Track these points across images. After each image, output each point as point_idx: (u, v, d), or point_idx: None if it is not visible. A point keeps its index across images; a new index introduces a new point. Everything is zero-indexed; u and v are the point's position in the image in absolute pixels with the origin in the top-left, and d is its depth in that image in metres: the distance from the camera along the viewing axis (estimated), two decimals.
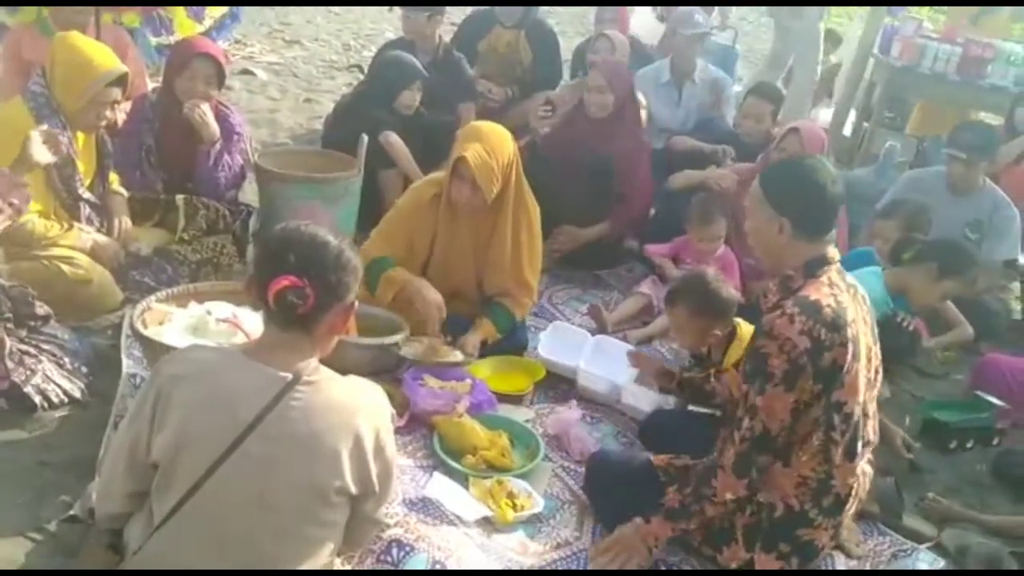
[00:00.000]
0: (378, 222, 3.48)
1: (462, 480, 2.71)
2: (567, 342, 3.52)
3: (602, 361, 3.42)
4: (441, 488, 2.63)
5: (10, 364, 2.77)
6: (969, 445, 3.42)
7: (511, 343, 3.48)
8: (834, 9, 13.52)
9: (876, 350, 2.45)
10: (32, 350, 2.89)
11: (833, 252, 2.38)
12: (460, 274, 3.42)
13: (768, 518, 2.37)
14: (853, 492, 2.41)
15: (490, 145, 3.18)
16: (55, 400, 2.83)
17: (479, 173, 3.14)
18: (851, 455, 2.36)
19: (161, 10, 4.57)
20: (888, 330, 3.44)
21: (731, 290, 3.15)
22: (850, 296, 2.34)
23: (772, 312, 2.29)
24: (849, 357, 2.25)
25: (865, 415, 2.39)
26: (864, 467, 2.51)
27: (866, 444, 2.45)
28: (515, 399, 3.24)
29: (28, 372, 2.82)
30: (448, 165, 3.24)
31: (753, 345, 2.35)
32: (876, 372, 2.46)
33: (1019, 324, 4.60)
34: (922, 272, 3.52)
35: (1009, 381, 3.64)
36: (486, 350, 3.37)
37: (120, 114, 3.72)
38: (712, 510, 2.34)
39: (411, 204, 3.39)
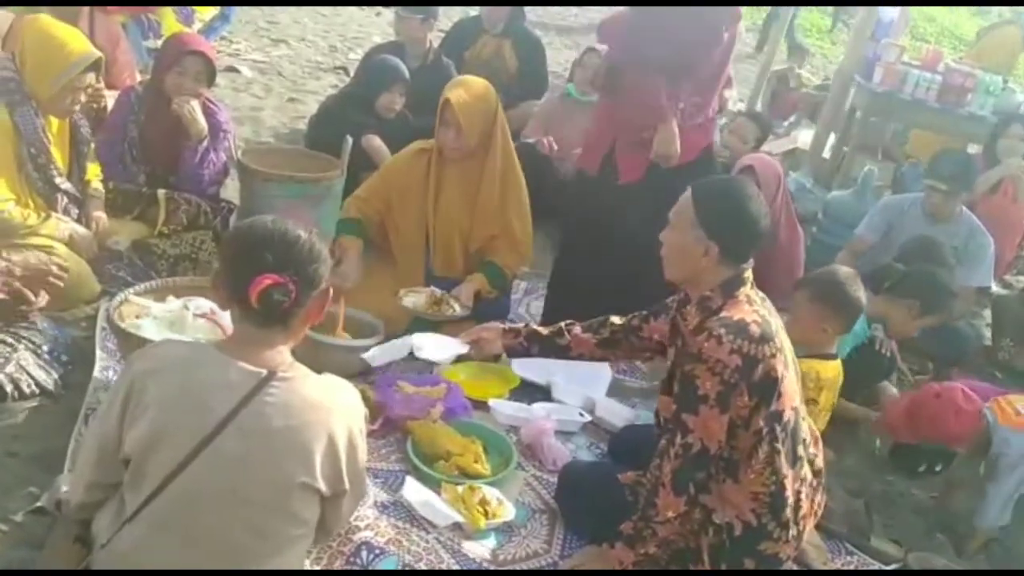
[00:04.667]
0: None
1: (434, 485, 2.70)
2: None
3: (575, 376, 3.41)
4: (413, 492, 2.62)
5: None
6: (938, 468, 3.45)
7: (494, 309, 3.52)
8: (810, 28, 13.70)
9: (793, 354, 2.46)
10: (9, 338, 2.85)
11: (747, 271, 2.39)
12: (454, 227, 3.54)
13: (729, 537, 2.38)
14: (804, 497, 2.42)
15: (472, 91, 3.46)
16: (26, 390, 2.79)
17: (462, 115, 3.38)
18: (792, 461, 2.38)
19: (150, 13, 4.53)
20: (867, 356, 3.49)
21: (860, 294, 3.12)
22: (767, 309, 2.37)
23: (698, 335, 2.30)
24: (781, 367, 2.28)
25: (799, 417, 2.42)
26: (817, 464, 2.52)
27: (806, 445, 2.46)
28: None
29: (1, 360, 2.78)
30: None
31: (680, 368, 2.36)
32: (797, 374, 2.47)
33: (989, 350, 4.66)
34: (903, 307, 3.56)
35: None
36: (475, 311, 3.41)
37: (109, 101, 3.70)
38: (664, 530, 2.33)
39: (395, 160, 3.71)
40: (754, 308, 2.32)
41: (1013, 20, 7.64)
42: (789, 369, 2.34)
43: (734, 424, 2.28)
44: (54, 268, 3.04)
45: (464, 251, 3.56)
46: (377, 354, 3.00)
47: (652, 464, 2.36)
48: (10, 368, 2.79)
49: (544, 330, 2.91)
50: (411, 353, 2.89)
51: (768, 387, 2.27)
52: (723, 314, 2.30)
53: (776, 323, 2.36)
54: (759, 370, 2.24)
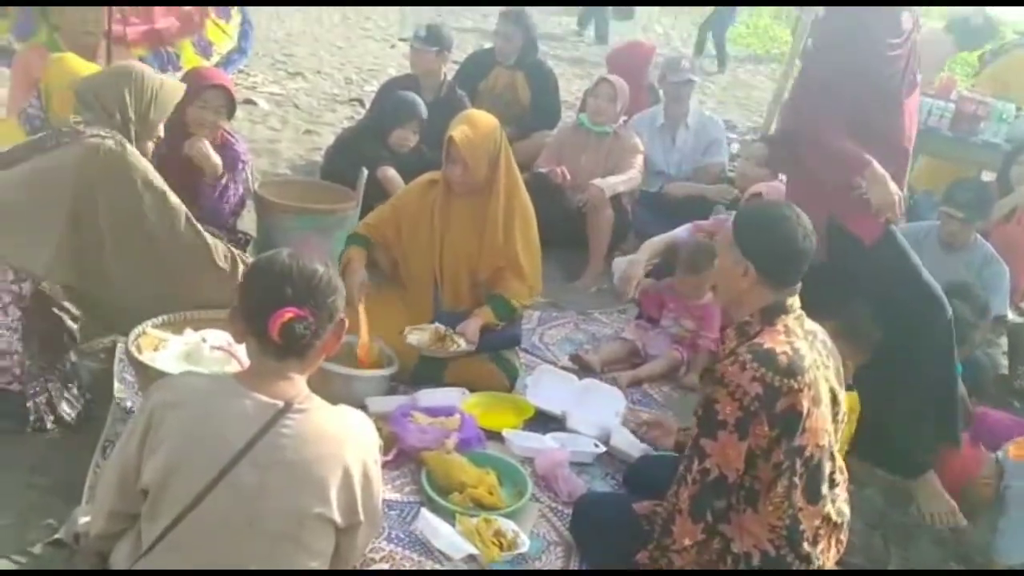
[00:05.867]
0: (373, 254, 3.59)
1: (449, 517, 2.70)
2: (555, 386, 3.52)
3: (589, 406, 3.42)
4: (428, 525, 2.62)
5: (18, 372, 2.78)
6: None
7: (504, 337, 3.54)
8: None
9: (842, 393, 2.45)
10: (49, 370, 2.90)
11: (793, 301, 2.40)
12: (461, 261, 3.54)
13: (747, 567, 2.36)
14: (822, 534, 2.40)
15: (477, 128, 3.45)
16: (48, 424, 2.83)
17: (466, 152, 3.37)
18: (813, 497, 2.36)
19: (168, 46, 4.60)
20: None
21: (871, 323, 3.10)
22: (807, 343, 2.35)
23: (727, 359, 2.31)
24: (807, 403, 2.26)
25: (830, 458, 2.40)
26: (841, 508, 2.49)
27: (833, 485, 2.44)
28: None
29: (38, 388, 2.83)
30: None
31: (705, 392, 2.36)
32: (843, 414, 2.46)
33: (1006, 378, 4.63)
34: None
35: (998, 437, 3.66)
36: (486, 342, 3.43)
37: None
38: (680, 559, 2.32)
39: (407, 190, 3.72)
40: (790, 339, 2.31)
41: (1021, 44, 7.60)
42: (820, 406, 2.31)
43: (753, 454, 2.27)
44: None
45: (472, 285, 3.57)
46: (379, 403, 3.11)
47: (669, 491, 2.35)
48: (41, 399, 2.83)
49: None
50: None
51: (790, 421, 2.25)
52: (756, 341, 2.30)
53: (816, 357, 2.33)
54: (781, 402, 2.23)
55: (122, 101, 2.98)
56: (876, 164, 3.03)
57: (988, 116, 5.77)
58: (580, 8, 13.03)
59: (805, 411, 2.26)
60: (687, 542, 2.30)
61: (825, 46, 3.21)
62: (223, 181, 3.64)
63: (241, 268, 3.02)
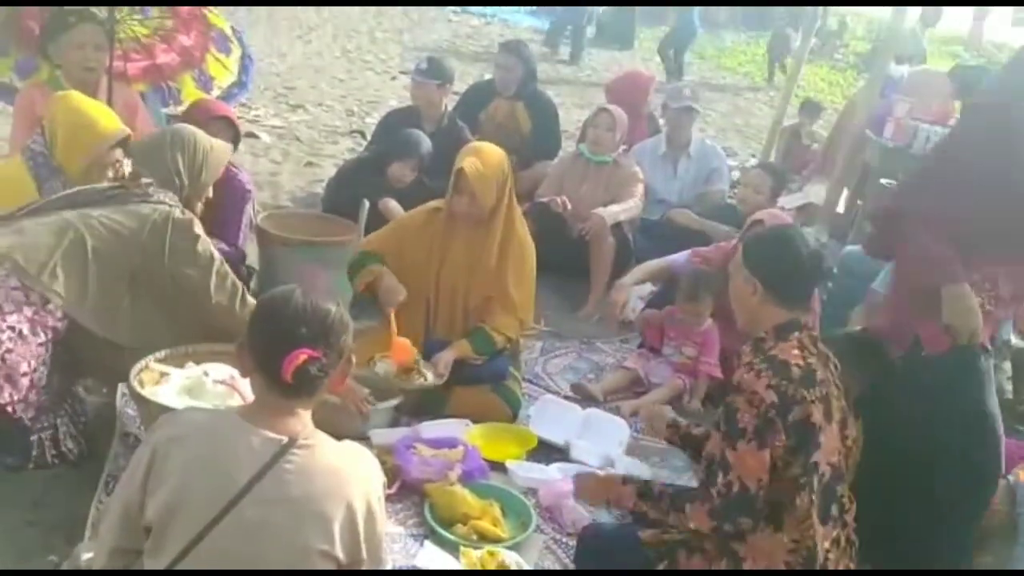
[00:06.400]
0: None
1: (453, 550, 2.69)
2: (558, 416, 3.51)
3: (593, 435, 3.41)
4: (431, 558, 2.61)
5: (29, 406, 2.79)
6: None
7: (488, 371, 3.52)
8: (821, 83, 13.85)
9: (852, 421, 2.45)
10: (57, 401, 2.91)
11: (807, 320, 2.46)
12: (457, 290, 3.56)
13: None
14: (831, 558, 2.37)
15: (486, 160, 3.48)
16: (49, 461, 2.82)
17: (476, 184, 3.40)
18: (824, 518, 2.34)
19: (169, 81, 4.64)
20: None
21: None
22: (821, 361, 2.38)
23: (742, 368, 2.35)
24: (820, 416, 2.28)
25: (839, 479, 2.39)
26: (851, 534, 2.47)
27: (842, 510, 2.43)
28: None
29: (45, 424, 2.84)
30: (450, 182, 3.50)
31: (725, 402, 2.38)
32: (852, 442, 2.46)
33: (1010, 403, 4.61)
34: None
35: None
36: (464, 375, 3.44)
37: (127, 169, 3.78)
38: (675, 519, 2.35)
39: (411, 215, 3.75)
40: (803, 354, 2.34)
41: None
42: (832, 423, 2.33)
43: (774, 465, 2.27)
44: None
45: (465, 314, 3.58)
46: (382, 436, 3.13)
47: (695, 496, 2.35)
48: (46, 435, 2.84)
49: (696, 430, 2.85)
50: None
51: (805, 432, 2.26)
52: (770, 353, 2.34)
53: (828, 376, 2.37)
54: (796, 411, 2.25)
55: (176, 165, 3.07)
56: (966, 285, 2.73)
57: None
58: (548, 29, 13.58)
59: (818, 424, 2.27)
60: (693, 525, 2.31)
61: (970, 143, 2.91)
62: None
63: (241, 299, 3.05)
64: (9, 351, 2.70)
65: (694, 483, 2.97)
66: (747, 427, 2.25)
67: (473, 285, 3.54)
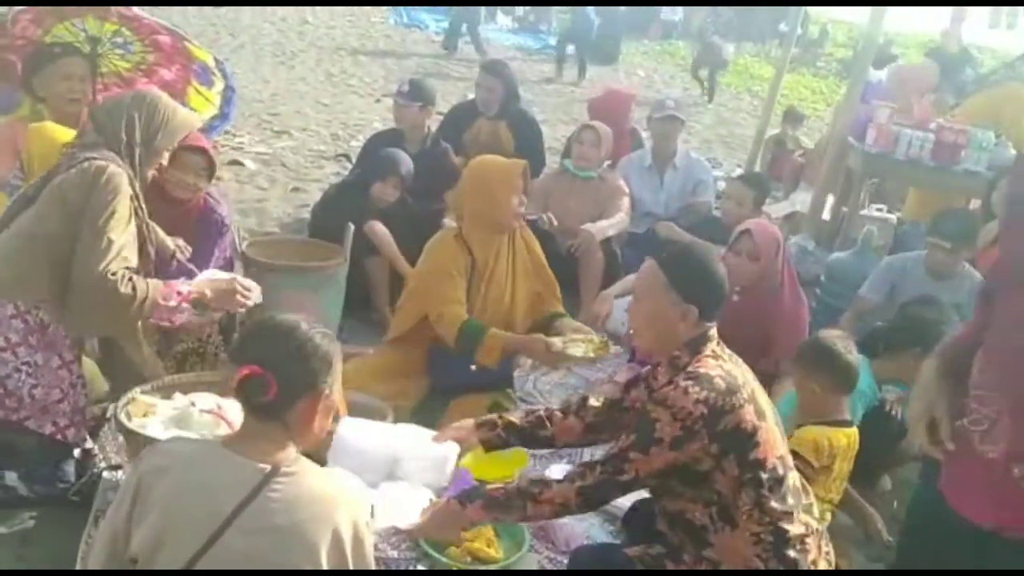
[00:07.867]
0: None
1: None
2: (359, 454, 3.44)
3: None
4: None
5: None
6: None
7: (497, 374, 3.61)
8: (804, 91, 13.94)
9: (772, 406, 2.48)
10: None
11: (712, 329, 2.45)
12: (503, 302, 3.72)
13: None
14: (810, 542, 2.39)
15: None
16: (32, 497, 2.82)
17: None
18: (785, 507, 2.37)
19: None
20: (876, 420, 3.45)
21: (840, 348, 3.10)
22: (734, 363, 2.42)
23: (666, 387, 2.36)
24: (752, 417, 2.31)
25: (788, 468, 2.42)
26: (817, 516, 2.50)
27: (797, 494, 2.43)
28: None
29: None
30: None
31: (642, 410, 2.40)
32: (780, 426, 2.48)
33: None
34: (909, 359, 3.51)
35: None
36: (478, 380, 3.56)
37: None
38: (533, 509, 2.38)
39: (436, 255, 3.70)
40: (719, 363, 2.38)
41: (1014, 76, 7.66)
42: (766, 419, 2.36)
43: (677, 463, 2.29)
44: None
45: (517, 319, 3.72)
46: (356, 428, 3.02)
47: (566, 476, 2.40)
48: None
49: (522, 420, 2.85)
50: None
51: (738, 438, 2.29)
52: (689, 369, 2.36)
53: (744, 375, 2.40)
54: (726, 420, 2.27)
55: (131, 123, 2.98)
56: None
57: (968, 144, 5.83)
58: (557, 56, 13.48)
59: (751, 426, 2.30)
60: (558, 501, 2.36)
61: None
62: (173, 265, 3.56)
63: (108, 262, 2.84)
64: (34, 387, 2.79)
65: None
66: (665, 437, 2.27)
67: (517, 291, 3.69)
